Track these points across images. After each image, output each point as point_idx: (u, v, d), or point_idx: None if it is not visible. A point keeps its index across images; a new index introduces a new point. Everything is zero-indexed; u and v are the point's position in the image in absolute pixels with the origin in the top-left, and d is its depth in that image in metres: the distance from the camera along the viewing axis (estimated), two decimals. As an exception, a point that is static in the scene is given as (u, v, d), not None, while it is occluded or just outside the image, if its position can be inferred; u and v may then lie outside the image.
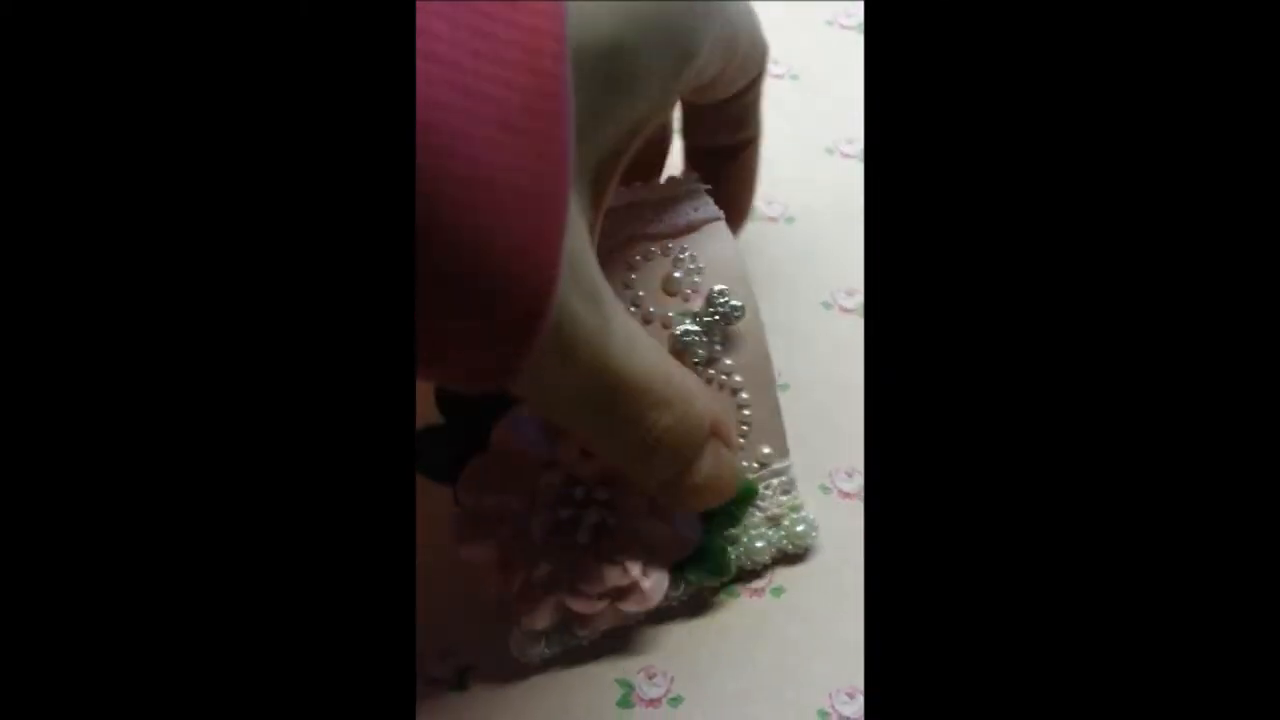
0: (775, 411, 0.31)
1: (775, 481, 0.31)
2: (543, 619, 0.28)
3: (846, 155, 0.41)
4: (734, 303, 0.29)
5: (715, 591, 0.31)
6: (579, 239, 0.21)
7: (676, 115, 0.33)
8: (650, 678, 0.30)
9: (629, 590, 0.28)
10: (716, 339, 0.29)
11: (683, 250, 0.30)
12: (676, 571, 0.29)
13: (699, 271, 0.30)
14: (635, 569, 0.28)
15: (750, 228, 0.37)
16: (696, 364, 0.29)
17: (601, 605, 0.28)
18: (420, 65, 0.17)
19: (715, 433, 0.27)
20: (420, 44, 0.17)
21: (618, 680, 0.30)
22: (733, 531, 0.30)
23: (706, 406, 0.27)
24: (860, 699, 0.29)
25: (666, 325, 0.29)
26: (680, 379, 0.26)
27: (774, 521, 0.31)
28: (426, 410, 0.30)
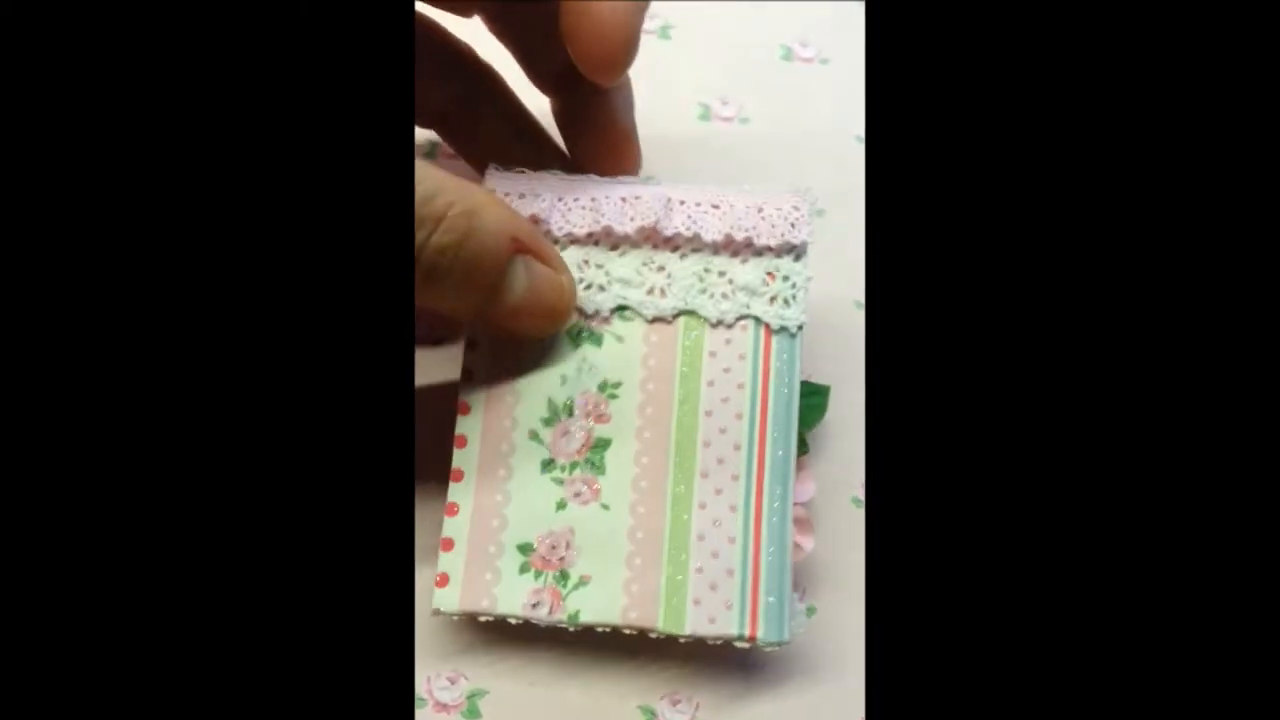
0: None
1: None
2: None
3: (879, 144, 0.39)
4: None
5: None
6: None
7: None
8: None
9: None
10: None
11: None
12: None
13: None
14: None
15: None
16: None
17: None
18: None
19: (520, 248, 0.25)
20: None
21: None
22: None
23: (500, 219, 0.24)
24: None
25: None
26: (457, 190, 0.23)
27: None
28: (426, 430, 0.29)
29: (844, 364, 0.33)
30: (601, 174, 0.29)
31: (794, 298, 0.28)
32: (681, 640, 0.26)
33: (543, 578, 0.26)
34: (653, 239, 0.28)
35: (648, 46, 0.38)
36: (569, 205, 0.28)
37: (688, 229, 0.28)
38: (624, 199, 0.28)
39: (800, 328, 0.28)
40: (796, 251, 0.28)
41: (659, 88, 0.37)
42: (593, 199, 0.28)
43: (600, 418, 0.27)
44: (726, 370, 0.27)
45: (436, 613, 0.26)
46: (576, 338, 0.28)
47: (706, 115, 0.37)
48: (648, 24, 0.39)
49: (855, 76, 0.39)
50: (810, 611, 0.30)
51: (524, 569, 0.26)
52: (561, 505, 0.26)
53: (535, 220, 0.28)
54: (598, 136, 0.30)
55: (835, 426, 0.33)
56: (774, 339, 0.28)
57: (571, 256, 0.28)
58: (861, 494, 0.32)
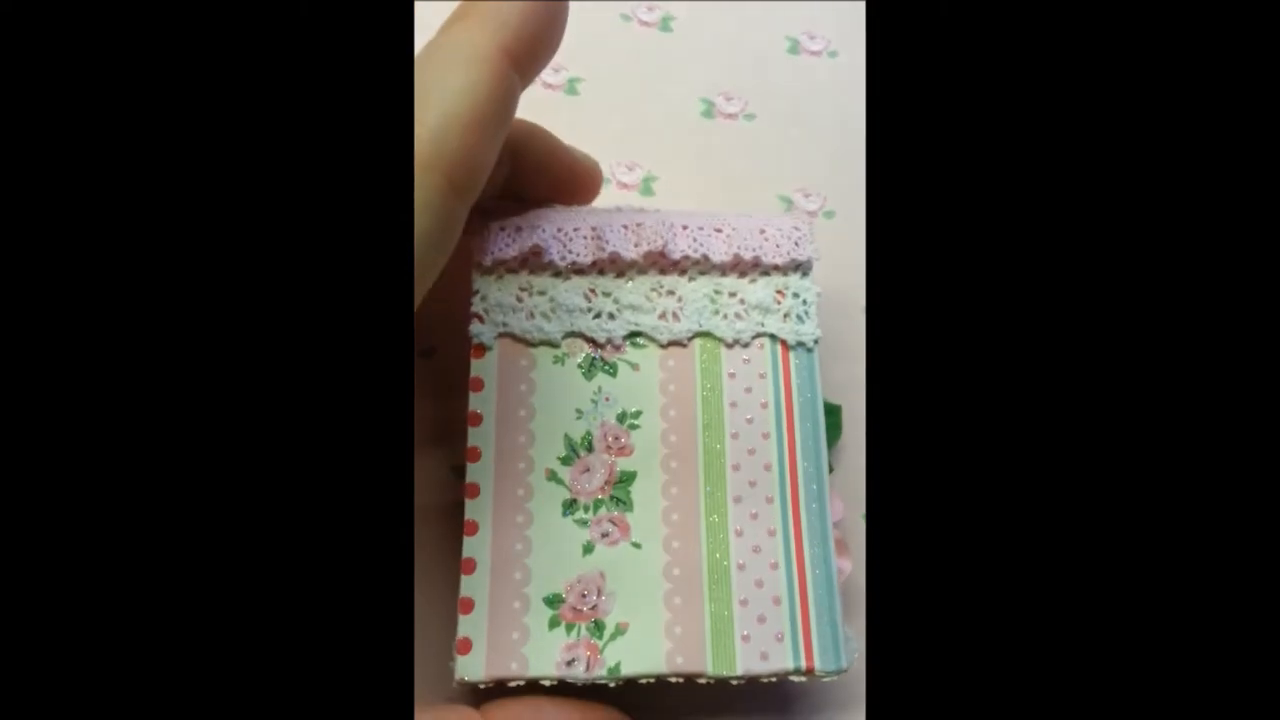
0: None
1: None
2: None
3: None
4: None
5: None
6: None
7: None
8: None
9: None
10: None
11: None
12: None
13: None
14: None
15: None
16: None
17: None
18: None
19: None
20: None
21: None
22: None
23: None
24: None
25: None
26: None
27: None
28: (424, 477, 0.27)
29: (854, 372, 0.32)
30: (574, 200, 0.28)
31: (807, 313, 0.28)
32: (734, 683, 0.24)
33: (575, 630, 0.24)
34: (659, 263, 0.28)
35: (647, 40, 0.36)
36: (569, 235, 0.27)
37: (695, 251, 0.27)
38: (626, 226, 0.27)
39: (816, 342, 0.27)
40: (803, 268, 0.28)
41: (659, 83, 0.36)
42: (593, 228, 0.27)
43: (622, 450, 0.26)
44: (748, 390, 0.27)
45: (461, 684, 0.24)
46: (589, 369, 0.27)
47: (709, 111, 0.36)
48: (647, 16, 0.37)
49: (864, 70, 0.37)
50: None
51: (554, 623, 0.24)
52: (589, 548, 0.25)
53: (536, 251, 0.27)
54: (554, 177, 0.28)
55: (846, 437, 0.31)
56: (791, 355, 0.27)
57: (576, 286, 0.27)
58: (874, 512, 0.30)
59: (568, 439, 0.26)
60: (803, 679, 0.25)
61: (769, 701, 0.28)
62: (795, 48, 0.37)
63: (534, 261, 0.27)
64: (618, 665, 0.24)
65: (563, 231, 0.27)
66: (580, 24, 0.37)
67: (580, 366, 0.27)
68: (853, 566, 0.28)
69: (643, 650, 0.24)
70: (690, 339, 0.27)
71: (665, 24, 0.37)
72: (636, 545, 0.25)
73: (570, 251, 0.27)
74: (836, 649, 0.24)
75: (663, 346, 0.27)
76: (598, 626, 0.24)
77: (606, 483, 0.26)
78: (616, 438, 0.26)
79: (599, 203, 0.29)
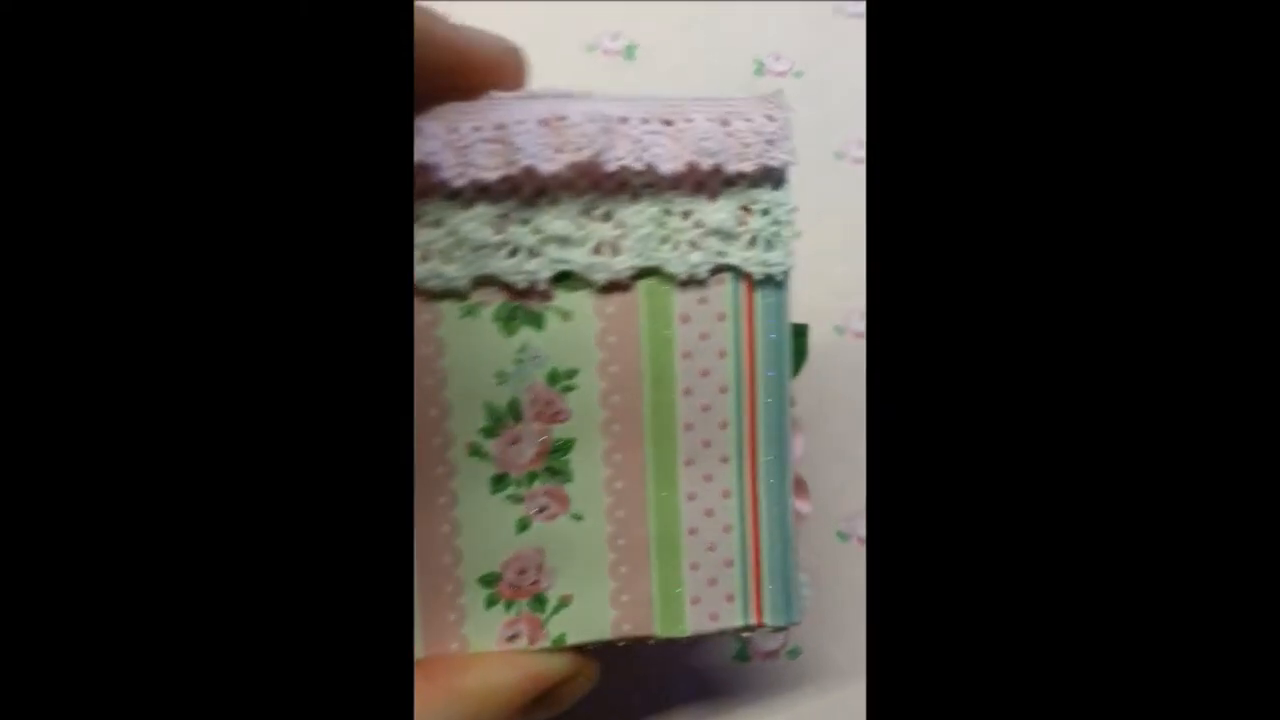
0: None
1: None
2: None
3: (857, 161, 0.37)
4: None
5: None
6: None
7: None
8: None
9: None
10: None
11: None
12: None
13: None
14: None
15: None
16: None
17: None
18: None
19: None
20: None
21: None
22: None
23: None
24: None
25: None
26: None
27: None
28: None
29: (825, 394, 0.32)
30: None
31: (777, 236, 0.22)
32: (683, 642, 0.23)
33: (516, 607, 0.22)
34: (591, 176, 0.21)
35: (612, 67, 0.37)
36: (467, 138, 0.20)
37: (637, 160, 0.21)
38: (544, 122, 0.20)
39: (787, 274, 0.22)
40: (775, 177, 0.22)
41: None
42: (499, 126, 0.20)
43: (555, 416, 0.22)
44: (704, 336, 0.22)
45: None
46: (509, 322, 0.21)
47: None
48: (611, 44, 0.37)
49: (832, 90, 0.37)
50: (794, 653, 0.29)
51: (492, 601, 0.22)
52: (524, 525, 0.22)
53: (423, 168, 0.20)
54: (433, 67, 0.20)
55: (818, 458, 0.31)
56: (757, 292, 0.22)
57: (482, 214, 0.21)
58: (845, 527, 0.31)
59: (490, 407, 0.21)
60: (751, 634, 0.24)
61: (768, 686, 0.29)
62: (761, 69, 0.37)
63: (421, 181, 0.20)
64: (562, 636, 0.22)
65: (458, 134, 0.20)
66: (543, 53, 0.37)
67: (497, 320, 0.21)
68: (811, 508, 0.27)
69: (588, 620, 0.22)
70: (634, 279, 0.22)
71: (629, 52, 0.37)
72: (577, 517, 0.22)
73: (471, 165, 0.20)
74: (788, 604, 0.23)
75: (600, 290, 0.22)
76: (539, 601, 0.22)
77: (539, 454, 0.22)
78: (549, 403, 0.22)
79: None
